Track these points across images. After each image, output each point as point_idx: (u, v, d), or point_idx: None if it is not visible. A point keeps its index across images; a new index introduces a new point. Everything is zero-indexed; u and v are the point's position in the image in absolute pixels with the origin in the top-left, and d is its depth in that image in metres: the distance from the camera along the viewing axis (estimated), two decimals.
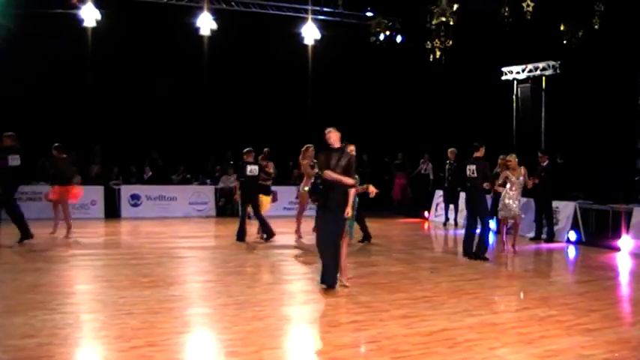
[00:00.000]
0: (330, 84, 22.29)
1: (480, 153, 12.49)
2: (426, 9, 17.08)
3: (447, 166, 18.28)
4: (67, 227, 14.33)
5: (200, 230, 16.67)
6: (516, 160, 13.12)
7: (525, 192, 15.15)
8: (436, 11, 16.57)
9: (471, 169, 12.44)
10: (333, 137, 8.98)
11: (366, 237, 14.41)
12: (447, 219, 18.67)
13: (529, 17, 15.21)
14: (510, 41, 18.04)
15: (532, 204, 15.64)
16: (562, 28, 16.18)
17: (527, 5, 15.11)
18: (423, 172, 21.74)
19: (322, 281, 8.98)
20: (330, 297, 8.56)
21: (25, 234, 13.26)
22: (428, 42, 17.39)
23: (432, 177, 21.66)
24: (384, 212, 20.75)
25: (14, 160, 13.05)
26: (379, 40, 20.59)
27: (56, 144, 14.45)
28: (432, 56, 17.49)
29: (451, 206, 18.51)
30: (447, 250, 14.95)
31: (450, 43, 17.11)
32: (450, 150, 17.96)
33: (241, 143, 18.74)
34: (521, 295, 9.12)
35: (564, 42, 16.48)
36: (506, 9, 15.50)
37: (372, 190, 9.80)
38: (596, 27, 15.24)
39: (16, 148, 13.13)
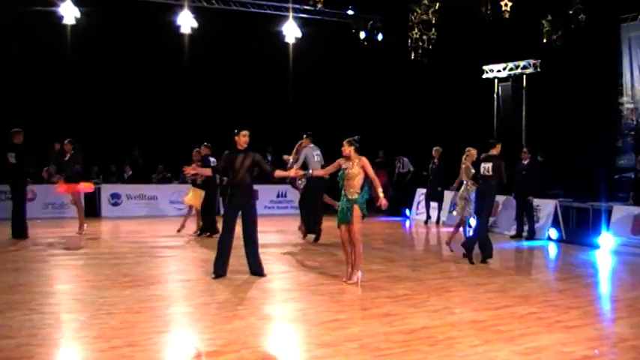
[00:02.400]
0: (311, 82, 22.25)
1: (495, 150, 12.17)
2: (407, 7, 17.10)
3: (430, 165, 18.28)
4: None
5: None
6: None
7: (506, 189, 15.22)
8: (417, 9, 16.60)
9: (485, 168, 11.92)
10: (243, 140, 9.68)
11: (310, 230, 14.13)
12: (428, 217, 18.70)
13: (507, 16, 15.27)
14: (491, 39, 18.10)
15: (512, 202, 15.72)
16: (543, 26, 16.28)
17: (506, 5, 15.18)
18: (400, 170, 21.73)
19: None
20: (311, 295, 8.56)
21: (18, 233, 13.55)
22: (409, 40, 17.42)
23: (410, 169, 21.59)
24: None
25: (11, 158, 13.44)
26: (362, 38, 20.67)
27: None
28: (413, 54, 17.52)
29: (433, 204, 18.52)
30: (428, 249, 15.00)
31: (432, 41, 17.15)
32: (434, 148, 17.98)
33: (222, 141, 18.63)
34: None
35: (545, 40, 16.57)
36: (489, 7, 15.55)
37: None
38: (579, 24, 15.34)
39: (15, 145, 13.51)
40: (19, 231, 13.62)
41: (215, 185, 14.91)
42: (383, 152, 22.01)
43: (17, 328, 6.61)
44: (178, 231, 15.21)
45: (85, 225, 14.95)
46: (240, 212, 9.65)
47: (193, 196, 14.90)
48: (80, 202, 14.93)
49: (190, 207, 15.33)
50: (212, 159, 14.50)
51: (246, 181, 9.62)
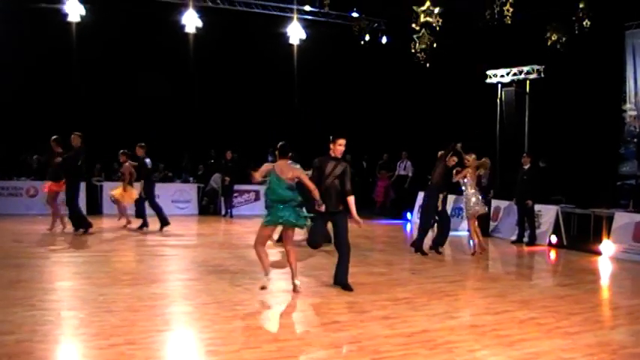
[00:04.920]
0: (316, 84, 22.27)
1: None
2: (411, 10, 17.08)
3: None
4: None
5: (182, 228, 16.56)
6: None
7: (509, 195, 15.24)
8: (421, 13, 16.58)
9: None
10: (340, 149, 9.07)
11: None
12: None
13: (509, 22, 15.23)
14: (495, 44, 18.10)
15: (514, 207, 15.70)
16: (547, 32, 16.26)
17: (508, 10, 15.13)
18: (402, 171, 21.68)
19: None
20: (312, 297, 8.56)
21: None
22: (412, 44, 17.40)
23: (410, 174, 21.54)
24: (366, 213, 20.76)
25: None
26: (364, 40, 20.70)
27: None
28: (416, 58, 17.50)
29: None
30: (430, 252, 14.96)
31: (435, 45, 17.13)
32: (440, 153, 17.88)
33: (226, 142, 18.69)
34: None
35: (549, 46, 16.55)
36: (495, 11, 15.49)
37: None
38: (583, 28, 15.31)
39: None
40: (77, 223, 14.61)
41: (152, 182, 16.13)
42: (387, 155, 22.01)
43: (18, 324, 6.63)
44: (124, 226, 16.11)
45: (61, 225, 15.06)
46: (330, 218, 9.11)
47: (123, 194, 15.87)
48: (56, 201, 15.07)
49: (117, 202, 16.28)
50: (147, 160, 14.95)
51: (336, 187, 8.98)
